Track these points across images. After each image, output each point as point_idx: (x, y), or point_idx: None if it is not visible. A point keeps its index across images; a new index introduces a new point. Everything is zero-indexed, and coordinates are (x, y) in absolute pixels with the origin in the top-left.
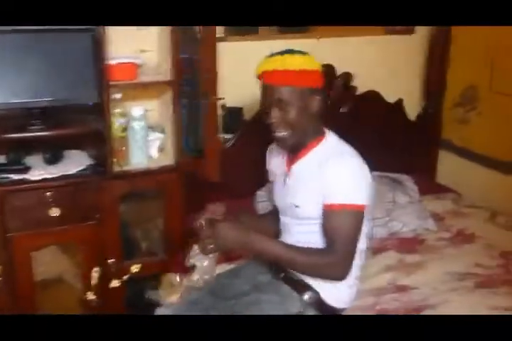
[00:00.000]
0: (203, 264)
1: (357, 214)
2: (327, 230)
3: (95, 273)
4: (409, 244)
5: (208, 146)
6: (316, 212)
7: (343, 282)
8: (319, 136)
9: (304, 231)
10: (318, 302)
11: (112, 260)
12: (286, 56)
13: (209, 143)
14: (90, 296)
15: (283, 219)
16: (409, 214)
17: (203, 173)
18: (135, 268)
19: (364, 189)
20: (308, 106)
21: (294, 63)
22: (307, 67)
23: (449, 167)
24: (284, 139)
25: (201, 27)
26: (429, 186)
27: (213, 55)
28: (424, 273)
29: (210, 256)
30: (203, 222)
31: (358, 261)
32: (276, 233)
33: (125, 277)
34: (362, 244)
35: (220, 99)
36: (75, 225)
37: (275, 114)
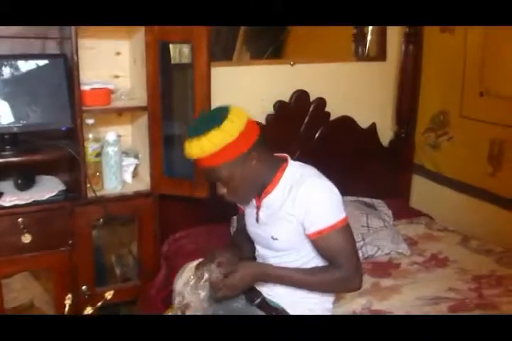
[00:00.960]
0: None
1: (345, 228)
2: (325, 253)
3: (68, 300)
4: (384, 268)
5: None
6: (296, 243)
7: (326, 305)
8: (281, 166)
9: (279, 262)
10: None
11: (85, 286)
12: (193, 144)
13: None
14: None
15: (258, 248)
16: (383, 238)
17: (193, 191)
18: (109, 295)
19: (339, 203)
20: (247, 169)
21: (216, 143)
22: (233, 135)
23: (421, 191)
24: (244, 202)
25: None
26: (403, 210)
27: (207, 83)
28: (398, 298)
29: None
30: (215, 270)
31: None
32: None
33: (99, 304)
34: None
35: None
36: (47, 251)
37: (223, 190)
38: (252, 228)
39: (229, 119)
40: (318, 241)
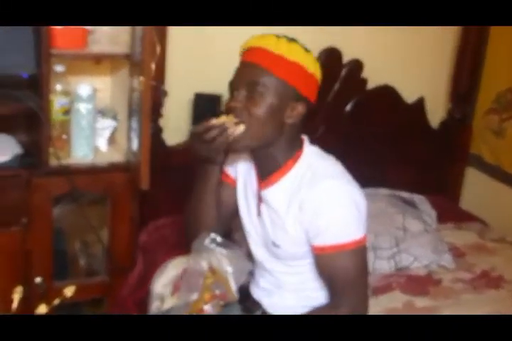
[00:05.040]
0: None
1: (358, 251)
2: (324, 276)
3: (17, 295)
4: (420, 284)
5: (142, 143)
6: (303, 252)
7: None
8: (295, 153)
9: (289, 273)
10: None
11: (40, 278)
12: (292, 44)
13: (143, 140)
14: None
15: (255, 250)
16: (422, 246)
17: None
18: (69, 291)
19: (360, 217)
20: (284, 111)
21: (298, 55)
22: (310, 68)
23: (476, 189)
24: (238, 139)
25: None
26: (450, 211)
27: None
28: None
29: None
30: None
31: None
32: None
33: (56, 301)
34: None
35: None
36: None
37: (241, 97)
38: (252, 219)
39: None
40: (319, 259)
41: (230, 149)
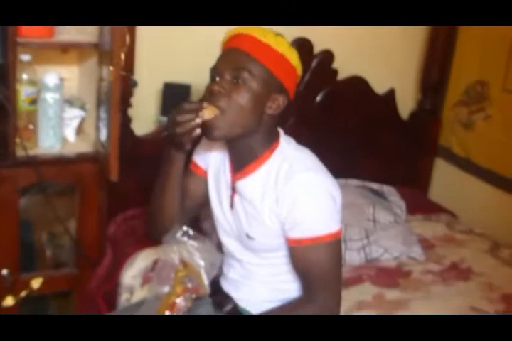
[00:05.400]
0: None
1: (334, 244)
2: (299, 269)
3: None
4: (390, 276)
5: (111, 134)
6: (278, 244)
7: None
8: (272, 144)
9: (262, 264)
10: None
11: (6, 270)
12: (278, 36)
13: (112, 130)
14: None
15: (226, 242)
16: (392, 237)
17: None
18: (36, 283)
19: (336, 211)
20: (266, 101)
21: (284, 47)
22: (294, 62)
23: (445, 181)
24: (213, 123)
25: None
26: (419, 203)
27: None
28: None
29: None
30: None
31: None
32: None
33: (22, 293)
34: None
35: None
36: None
37: (224, 83)
38: (224, 212)
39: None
40: (294, 252)
41: (207, 137)
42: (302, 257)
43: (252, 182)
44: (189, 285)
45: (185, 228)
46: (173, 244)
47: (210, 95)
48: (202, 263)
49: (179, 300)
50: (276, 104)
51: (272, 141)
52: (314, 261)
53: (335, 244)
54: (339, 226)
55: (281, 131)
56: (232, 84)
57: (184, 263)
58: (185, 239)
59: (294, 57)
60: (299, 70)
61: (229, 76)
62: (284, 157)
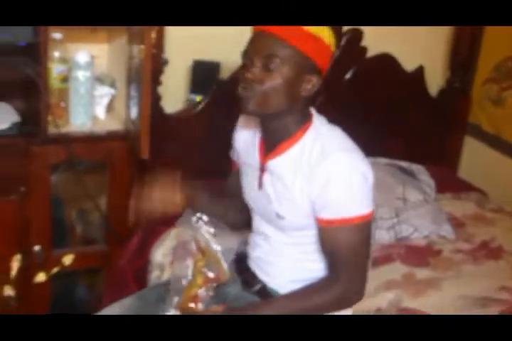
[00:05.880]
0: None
1: (363, 226)
2: (327, 249)
3: (16, 263)
4: (421, 255)
5: (142, 112)
6: (308, 223)
7: None
8: (305, 123)
9: (290, 243)
10: None
11: (38, 247)
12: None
13: (143, 108)
14: (8, 291)
15: (258, 222)
16: (422, 216)
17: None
18: (67, 260)
19: (369, 193)
20: (300, 84)
21: (314, 26)
22: (326, 40)
23: (475, 159)
24: (248, 100)
25: None
26: (449, 181)
27: None
28: (436, 295)
29: None
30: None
31: None
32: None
33: (54, 270)
34: None
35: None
36: None
37: (255, 69)
38: (252, 194)
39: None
40: (324, 232)
41: (242, 111)
42: (331, 238)
43: (284, 161)
44: (210, 275)
45: (198, 214)
46: (188, 229)
47: (243, 82)
48: (219, 248)
49: (201, 291)
50: (311, 84)
51: (305, 120)
52: (343, 243)
53: (365, 226)
54: (371, 209)
55: (313, 110)
56: (264, 72)
57: (202, 251)
58: (199, 224)
59: (326, 35)
60: (333, 47)
61: (260, 63)
62: (316, 136)
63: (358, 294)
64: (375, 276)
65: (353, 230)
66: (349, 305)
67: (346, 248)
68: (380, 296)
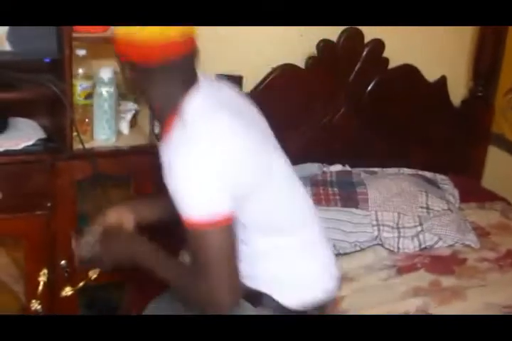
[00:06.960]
0: None
1: (211, 232)
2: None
3: (42, 277)
4: (445, 264)
5: None
6: None
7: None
8: (172, 110)
9: None
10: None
11: (65, 261)
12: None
13: None
14: (35, 306)
15: None
16: (446, 225)
17: None
18: (94, 274)
19: (202, 198)
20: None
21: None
22: (137, 36)
23: (499, 168)
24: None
25: None
26: (473, 191)
27: None
28: (461, 303)
29: None
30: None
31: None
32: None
33: (80, 284)
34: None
35: None
36: (19, 215)
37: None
38: None
39: None
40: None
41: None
42: (189, 239)
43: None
44: None
45: None
46: None
47: None
48: None
49: None
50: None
51: (169, 109)
52: (194, 247)
53: (214, 232)
54: (224, 210)
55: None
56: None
57: None
58: None
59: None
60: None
61: None
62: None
63: (222, 303)
64: (402, 283)
65: (202, 236)
66: (210, 307)
67: (200, 253)
68: (407, 301)
